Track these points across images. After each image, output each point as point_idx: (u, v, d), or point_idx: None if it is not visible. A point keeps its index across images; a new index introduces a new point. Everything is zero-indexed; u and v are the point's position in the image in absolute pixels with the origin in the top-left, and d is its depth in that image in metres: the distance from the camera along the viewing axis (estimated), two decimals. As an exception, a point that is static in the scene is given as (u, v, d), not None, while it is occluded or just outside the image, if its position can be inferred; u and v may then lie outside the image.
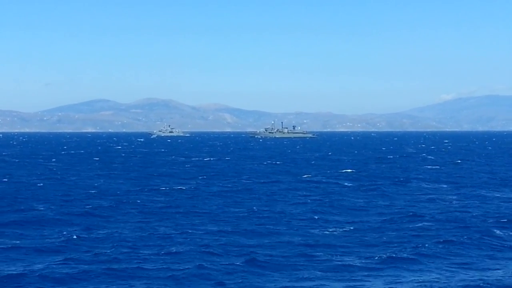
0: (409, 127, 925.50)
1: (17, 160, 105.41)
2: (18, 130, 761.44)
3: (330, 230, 35.04)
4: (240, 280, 24.35)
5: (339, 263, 27.12)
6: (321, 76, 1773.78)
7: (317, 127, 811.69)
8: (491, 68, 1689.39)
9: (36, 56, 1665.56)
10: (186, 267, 25.99)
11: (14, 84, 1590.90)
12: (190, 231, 34.23)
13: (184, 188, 56.95)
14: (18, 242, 31.21)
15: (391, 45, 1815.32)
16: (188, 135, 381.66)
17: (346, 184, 61.46)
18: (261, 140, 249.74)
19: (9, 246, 30.15)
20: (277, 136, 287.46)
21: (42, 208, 42.84)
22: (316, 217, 39.38)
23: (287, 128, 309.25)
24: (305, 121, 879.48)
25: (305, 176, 70.26)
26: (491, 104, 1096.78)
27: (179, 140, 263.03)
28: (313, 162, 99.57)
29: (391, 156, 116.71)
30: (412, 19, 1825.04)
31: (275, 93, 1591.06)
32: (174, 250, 29.17)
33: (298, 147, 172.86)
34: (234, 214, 40.87)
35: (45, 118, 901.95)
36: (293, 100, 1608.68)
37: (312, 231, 34.72)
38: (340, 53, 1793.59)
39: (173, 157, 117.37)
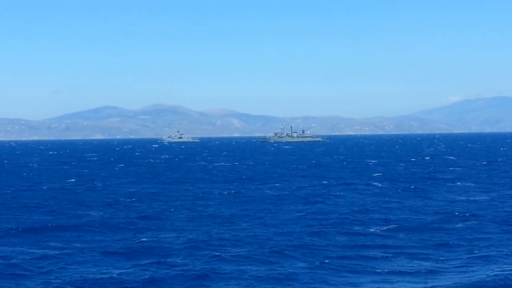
0: (417, 129, 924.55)
1: (43, 167, 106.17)
2: (27, 138, 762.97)
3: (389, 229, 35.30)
4: (322, 279, 24.64)
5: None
6: (328, 79, 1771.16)
7: (325, 131, 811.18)
8: (499, 69, 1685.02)
9: (43, 63, 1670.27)
10: (260, 268, 26.31)
11: (22, 92, 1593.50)
12: (259, 233, 34.46)
13: (225, 192, 57.15)
14: (88, 246, 31.50)
15: (398, 48, 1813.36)
16: (197, 140, 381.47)
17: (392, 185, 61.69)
18: (275, 145, 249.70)
19: (84, 249, 30.46)
20: (287, 141, 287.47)
21: (95, 214, 43.10)
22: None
23: (296, 132, 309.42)
24: (312, 125, 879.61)
25: (341, 179, 70.66)
26: (499, 105, 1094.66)
27: (192, 146, 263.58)
28: (344, 163, 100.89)
29: (425, 158, 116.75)
30: (419, 22, 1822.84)
31: (282, 98, 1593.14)
32: (245, 252, 29.43)
33: (320, 149, 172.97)
34: (292, 215, 41.13)
35: (53, 126, 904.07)
36: (301, 104, 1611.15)
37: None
38: (347, 56, 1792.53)
39: (200, 162, 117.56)
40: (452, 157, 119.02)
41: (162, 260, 27.78)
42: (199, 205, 47.54)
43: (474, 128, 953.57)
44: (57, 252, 29.71)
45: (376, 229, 35.48)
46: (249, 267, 26.58)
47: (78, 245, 31.74)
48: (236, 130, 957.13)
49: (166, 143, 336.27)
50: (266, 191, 58.17)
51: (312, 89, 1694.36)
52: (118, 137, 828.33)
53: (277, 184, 65.27)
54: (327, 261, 27.42)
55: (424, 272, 25.76)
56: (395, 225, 36.78)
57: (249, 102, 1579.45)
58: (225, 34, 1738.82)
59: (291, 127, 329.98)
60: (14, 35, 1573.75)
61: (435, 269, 26.15)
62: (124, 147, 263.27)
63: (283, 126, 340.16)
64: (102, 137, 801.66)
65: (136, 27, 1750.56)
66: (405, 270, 26.03)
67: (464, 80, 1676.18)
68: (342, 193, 55.30)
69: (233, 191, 57.91)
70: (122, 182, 72.12)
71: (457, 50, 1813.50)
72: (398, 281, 24.53)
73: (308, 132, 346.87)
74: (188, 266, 26.74)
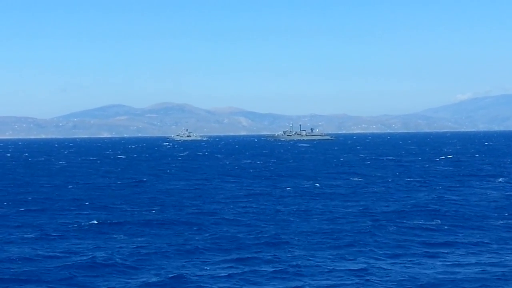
0: (425, 127, 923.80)
1: (66, 165, 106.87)
2: (35, 137, 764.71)
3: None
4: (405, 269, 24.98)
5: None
6: (335, 78, 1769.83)
7: (332, 129, 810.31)
8: (507, 67, 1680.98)
9: (52, 62, 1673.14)
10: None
11: (30, 91, 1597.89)
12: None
13: (277, 189, 57.52)
14: (170, 245, 31.85)
15: (405, 46, 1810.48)
16: (206, 138, 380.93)
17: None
18: (291, 143, 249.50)
19: (166, 246, 30.80)
20: (296, 139, 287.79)
21: (154, 211, 43.38)
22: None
23: (305, 130, 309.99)
24: (320, 123, 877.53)
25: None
26: (506, 103, 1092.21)
27: (203, 144, 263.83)
28: (372, 161, 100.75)
29: (451, 156, 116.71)
30: (426, 20, 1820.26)
31: (290, 96, 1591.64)
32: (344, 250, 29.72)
33: (336, 147, 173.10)
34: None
35: (60, 124, 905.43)
36: (308, 102, 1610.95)
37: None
38: (354, 54, 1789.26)
39: (225, 160, 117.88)
40: (477, 155, 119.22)
41: (256, 256, 28.17)
42: (260, 201, 47.88)
43: (481, 126, 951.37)
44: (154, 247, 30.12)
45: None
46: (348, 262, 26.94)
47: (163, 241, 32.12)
48: (243, 128, 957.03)
49: (180, 141, 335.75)
50: (316, 186, 58.54)
51: (319, 87, 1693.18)
52: (125, 135, 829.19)
53: (322, 181, 65.49)
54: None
55: None
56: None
57: (256, 100, 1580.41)
58: (232, 33, 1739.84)
59: (300, 125, 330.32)
60: (23, 35, 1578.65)
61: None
62: (134, 146, 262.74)
63: (292, 124, 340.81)
64: (109, 135, 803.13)
65: (144, 25, 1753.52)
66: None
67: (472, 78, 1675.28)
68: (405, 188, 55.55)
69: (288, 188, 58.30)
70: (163, 179, 71.86)
71: (465, 48, 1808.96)
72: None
73: (317, 130, 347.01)
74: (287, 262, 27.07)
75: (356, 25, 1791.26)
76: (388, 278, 24.34)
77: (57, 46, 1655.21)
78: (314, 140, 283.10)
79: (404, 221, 37.31)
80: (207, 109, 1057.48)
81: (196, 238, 32.77)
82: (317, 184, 61.05)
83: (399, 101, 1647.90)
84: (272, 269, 25.67)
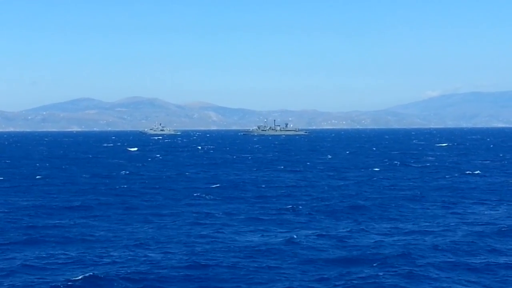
0: (394, 124, 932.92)
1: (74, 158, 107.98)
2: (2, 130, 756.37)
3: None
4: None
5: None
6: (306, 73, 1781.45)
7: (302, 125, 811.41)
8: (477, 64, 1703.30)
9: (22, 54, 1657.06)
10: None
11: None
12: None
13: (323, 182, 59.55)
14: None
15: (376, 43, 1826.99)
16: (179, 133, 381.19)
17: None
18: (270, 138, 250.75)
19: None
20: (270, 134, 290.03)
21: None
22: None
23: (279, 126, 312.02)
24: (290, 118, 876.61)
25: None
26: (475, 100, 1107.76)
27: (179, 139, 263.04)
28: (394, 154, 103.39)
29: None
30: (397, 17, 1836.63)
31: (260, 91, 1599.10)
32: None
33: (329, 144, 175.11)
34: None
35: (29, 117, 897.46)
36: (278, 98, 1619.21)
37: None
38: (324, 50, 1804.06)
39: (226, 154, 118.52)
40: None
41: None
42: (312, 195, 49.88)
43: (449, 123, 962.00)
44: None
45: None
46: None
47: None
48: (214, 123, 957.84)
49: (161, 136, 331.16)
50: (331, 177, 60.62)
51: (289, 83, 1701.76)
52: (95, 129, 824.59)
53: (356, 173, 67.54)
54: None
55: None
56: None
57: (227, 95, 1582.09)
58: (203, 27, 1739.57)
59: (274, 121, 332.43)
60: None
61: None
62: (119, 139, 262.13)
63: (266, 119, 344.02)
64: (79, 129, 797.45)
65: (114, 19, 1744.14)
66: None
67: (442, 75, 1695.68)
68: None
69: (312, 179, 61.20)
70: (191, 171, 73.04)
71: (435, 45, 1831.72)
72: None
73: (291, 125, 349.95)
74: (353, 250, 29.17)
75: (328, 22, 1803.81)
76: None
77: (26, 38, 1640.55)
78: (289, 135, 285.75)
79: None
80: (177, 104, 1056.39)
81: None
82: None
83: (369, 97, 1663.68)
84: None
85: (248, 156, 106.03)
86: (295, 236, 30.43)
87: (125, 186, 55.87)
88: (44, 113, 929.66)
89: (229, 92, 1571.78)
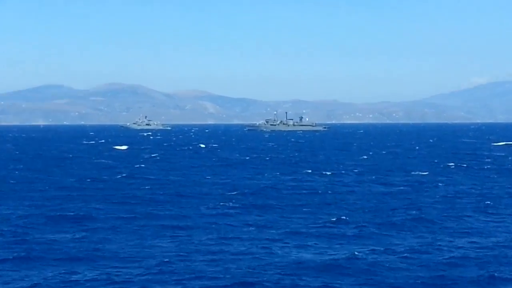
0: (432, 118, 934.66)
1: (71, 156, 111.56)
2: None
3: None
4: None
5: None
6: (324, 57, 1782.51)
7: (319, 118, 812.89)
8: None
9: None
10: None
11: None
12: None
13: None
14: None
15: (409, 19, 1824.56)
16: (169, 128, 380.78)
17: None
18: (284, 134, 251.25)
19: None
20: (282, 129, 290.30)
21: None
22: None
23: (292, 119, 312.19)
24: (304, 110, 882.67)
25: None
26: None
27: (173, 135, 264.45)
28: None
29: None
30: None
31: (267, 78, 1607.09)
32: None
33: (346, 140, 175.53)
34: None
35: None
36: (289, 86, 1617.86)
37: None
38: (347, 29, 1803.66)
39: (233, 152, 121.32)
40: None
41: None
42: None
43: (500, 117, 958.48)
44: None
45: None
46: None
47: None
48: (210, 115, 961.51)
49: (150, 132, 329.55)
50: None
51: (304, 69, 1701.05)
52: (65, 122, 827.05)
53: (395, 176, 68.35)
54: None
55: None
56: None
57: (226, 83, 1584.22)
58: (198, 1, 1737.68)
59: (286, 113, 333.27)
60: None
61: None
62: (102, 135, 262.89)
63: (276, 112, 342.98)
64: (46, 123, 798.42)
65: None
66: None
67: (491, 59, 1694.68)
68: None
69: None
70: (194, 172, 73.99)
71: (483, 21, 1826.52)
72: None
73: (307, 119, 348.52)
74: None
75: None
76: None
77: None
78: (306, 131, 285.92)
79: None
80: (166, 92, 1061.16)
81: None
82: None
83: (401, 86, 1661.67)
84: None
85: (265, 157, 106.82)
86: (356, 253, 31.21)
87: (126, 192, 56.91)
88: (2, 103, 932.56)
89: (229, 79, 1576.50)
